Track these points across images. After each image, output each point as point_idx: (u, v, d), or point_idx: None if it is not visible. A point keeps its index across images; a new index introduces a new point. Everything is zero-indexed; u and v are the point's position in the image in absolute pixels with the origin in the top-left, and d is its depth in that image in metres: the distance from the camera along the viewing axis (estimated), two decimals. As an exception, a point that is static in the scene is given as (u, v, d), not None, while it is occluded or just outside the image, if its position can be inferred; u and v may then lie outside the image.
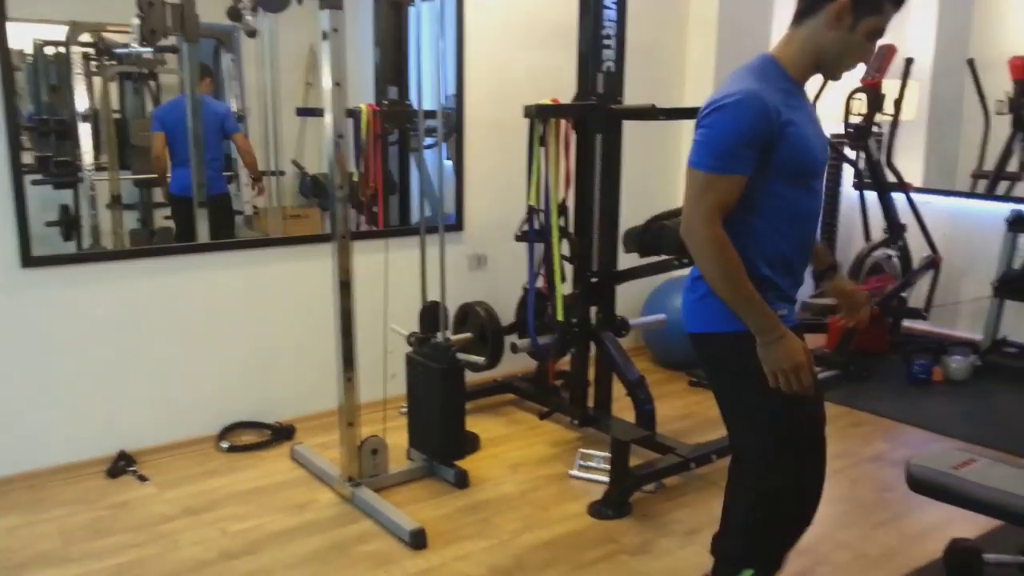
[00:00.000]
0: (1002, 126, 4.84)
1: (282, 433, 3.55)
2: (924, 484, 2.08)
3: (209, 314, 3.46)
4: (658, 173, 4.75)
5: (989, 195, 4.86)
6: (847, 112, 4.62)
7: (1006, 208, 4.55)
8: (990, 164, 4.90)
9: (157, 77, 3.69)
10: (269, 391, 3.65)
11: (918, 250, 4.67)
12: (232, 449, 3.42)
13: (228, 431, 3.53)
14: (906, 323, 4.87)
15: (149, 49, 3.43)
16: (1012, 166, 4.85)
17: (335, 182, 2.81)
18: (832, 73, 1.89)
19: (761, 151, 1.77)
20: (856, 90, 4.58)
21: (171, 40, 3.29)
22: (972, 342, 4.68)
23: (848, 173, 4.99)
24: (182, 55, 3.53)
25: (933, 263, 4.65)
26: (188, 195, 3.54)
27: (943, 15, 5.09)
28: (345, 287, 2.87)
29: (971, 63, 4.79)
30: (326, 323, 3.01)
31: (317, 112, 2.85)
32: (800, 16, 1.85)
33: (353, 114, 3.70)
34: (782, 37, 1.89)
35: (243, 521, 2.86)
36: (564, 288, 3.37)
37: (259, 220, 3.86)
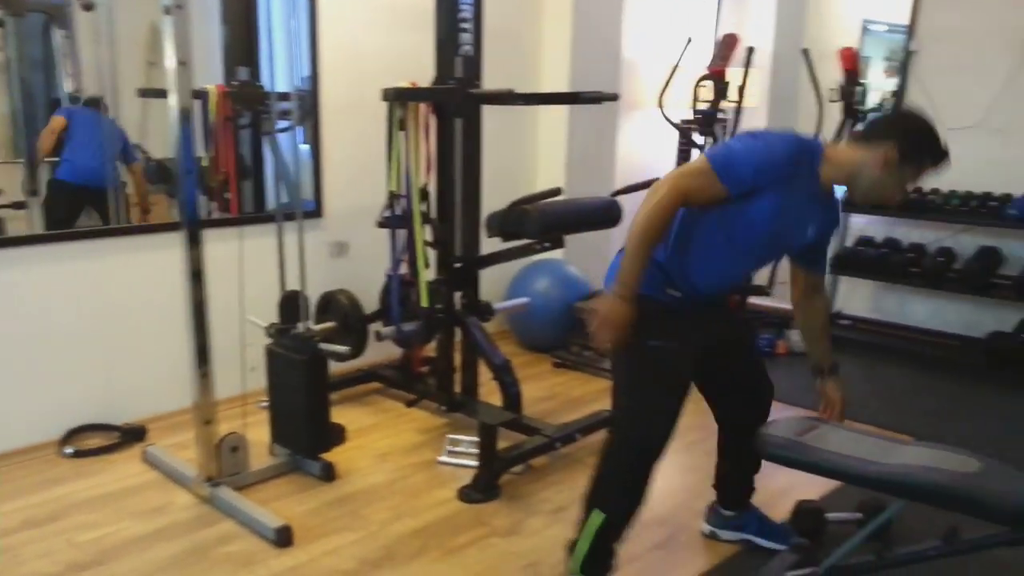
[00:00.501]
0: (835, 113, 5.18)
1: (132, 434, 3.35)
2: (774, 452, 2.20)
3: (45, 310, 3.22)
4: (518, 158, 4.79)
5: (824, 178, 5.18)
6: (695, 99, 4.80)
7: (839, 190, 4.87)
8: (824, 149, 5.23)
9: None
10: (117, 390, 3.43)
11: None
12: (77, 454, 3.20)
13: (72, 435, 3.30)
14: (752, 300, 5.14)
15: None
16: (843, 151, 5.20)
17: (182, 167, 2.66)
18: (856, 196, 2.12)
19: (752, 185, 2.01)
20: (703, 78, 4.77)
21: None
22: (812, 316, 5.00)
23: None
24: (7, 30, 3.24)
25: (776, 242, 4.92)
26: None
27: (781, 7, 5.39)
28: (197, 278, 2.73)
29: (805, 53, 5.08)
30: (178, 316, 2.85)
31: (161, 93, 2.69)
32: (860, 140, 2.13)
33: (200, 95, 3.52)
34: (843, 143, 2.15)
35: (92, 530, 2.68)
36: (428, 274, 3.35)
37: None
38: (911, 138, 2.07)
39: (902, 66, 4.82)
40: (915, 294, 4.82)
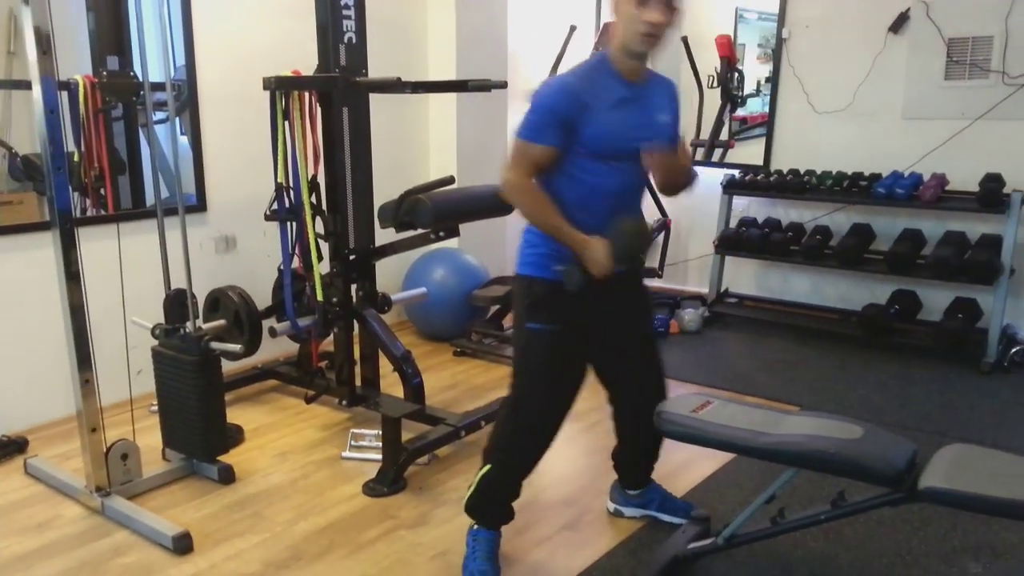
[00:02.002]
0: (714, 98, 5.36)
1: (12, 446, 3.14)
2: (671, 429, 2.26)
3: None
4: (409, 147, 4.74)
5: (707, 161, 5.37)
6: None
7: (721, 173, 5.06)
8: (706, 134, 5.41)
9: None
10: (-11, 402, 3.22)
11: (651, 215, 5.06)
12: (-51, 471, 2.98)
13: (-57, 451, 3.08)
14: (644, 282, 5.26)
15: None
16: (723, 135, 5.40)
17: (49, 163, 2.50)
18: (634, 53, 2.10)
19: (565, 126, 2.08)
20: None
21: None
22: (700, 296, 5.18)
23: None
24: None
25: (664, 226, 5.07)
26: None
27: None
28: (73, 279, 2.58)
29: (684, 40, 5.23)
30: (55, 321, 2.69)
31: (23, 84, 2.51)
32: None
33: (68, 86, 3.32)
34: None
35: (-31, 551, 2.51)
36: (322, 267, 3.27)
37: (-40, 209, 3.36)
38: None
39: (774, 53, 5.02)
40: (796, 271, 5.05)
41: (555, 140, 2.10)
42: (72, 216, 2.58)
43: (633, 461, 2.68)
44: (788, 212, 5.02)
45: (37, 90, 2.44)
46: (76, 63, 3.45)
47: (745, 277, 5.27)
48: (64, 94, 3.24)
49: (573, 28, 5.13)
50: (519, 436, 2.35)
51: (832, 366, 4.25)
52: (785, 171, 4.88)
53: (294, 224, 3.29)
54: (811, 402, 3.65)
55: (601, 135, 2.11)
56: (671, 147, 2.23)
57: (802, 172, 4.82)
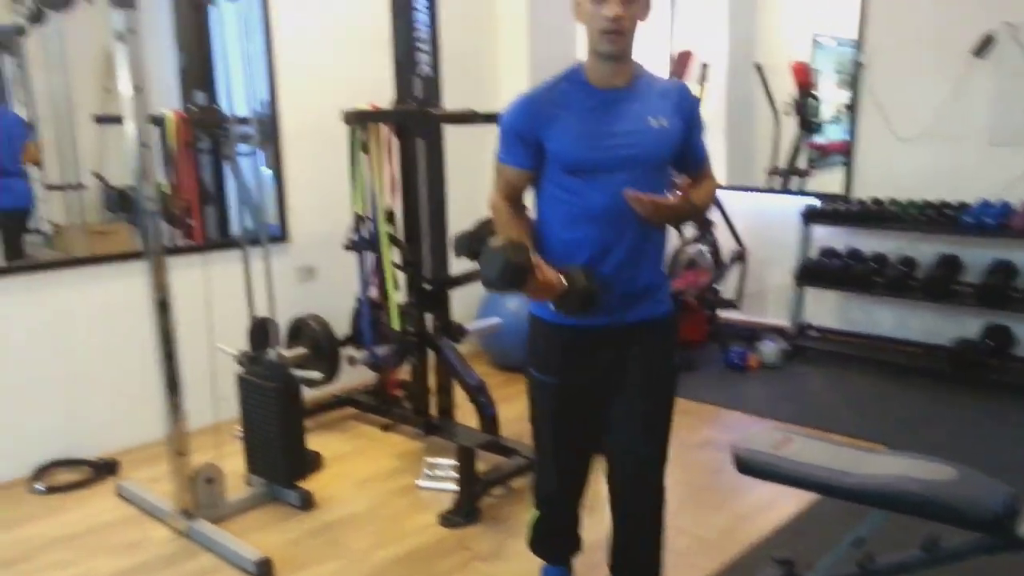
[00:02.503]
0: (790, 126, 5.27)
1: (105, 469, 3.26)
2: (749, 465, 2.19)
3: (8, 345, 3.13)
4: (484, 176, 4.75)
5: (784, 190, 5.27)
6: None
7: (800, 202, 4.96)
8: (783, 161, 5.31)
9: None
10: (87, 424, 3.35)
11: (727, 243, 4.99)
12: (49, 490, 3.11)
13: (43, 471, 3.22)
14: (721, 313, 5.18)
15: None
16: (801, 162, 5.30)
17: (143, 194, 2.60)
18: (601, 55, 1.90)
19: (529, 144, 1.95)
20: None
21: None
22: (780, 328, 5.06)
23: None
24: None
25: (740, 256, 4.99)
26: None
27: (733, 23, 5.47)
28: (163, 307, 2.67)
29: (759, 68, 5.16)
30: (146, 347, 2.78)
31: (117, 120, 2.63)
32: None
33: (158, 121, 3.46)
34: None
35: (67, 568, 2.60)
36: (398, 296, 3.31)
37: (60, 239, 3.51)
38: None
39: (853, 79, 4.92)
40: (879, 303, 4.89)
41: (521, 159, 1.97)
42: (163, 246, 2.67)
43: (615, 564, 2.24)
44: (870, 242, 4.87)
45: (131, 125, 2.55)
46: (166, 98, 3.60)
47: (826, 309, 5.12)
48: (155, 128, 3.37)
49: (645, 58, 5.12)
50: (543, 482, 2.26)
51: (920, 403, 4.09)
52: (867, 199, 4.75)
53: (372, 254, 3.34)
54: (899, 441, 3.51)
55: (565, 147, 1.91)
56: (680, 155, 2.00)
57: (885, 200, 4.68)
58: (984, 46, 4.38)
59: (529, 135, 1.94)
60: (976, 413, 3.92)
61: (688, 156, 2.04)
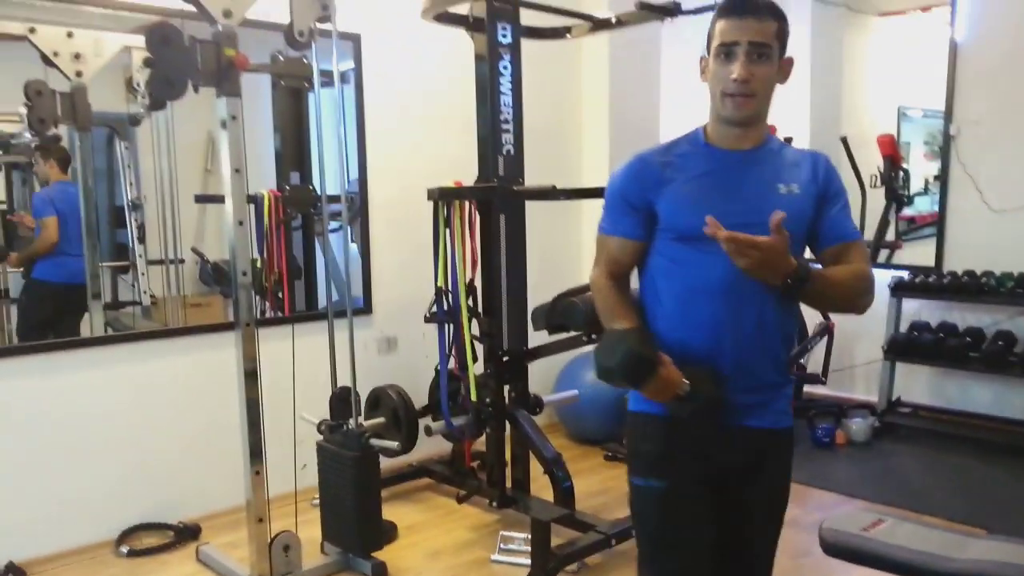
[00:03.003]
0: (877, 198, 5.17)
1: (187, 533, 3.35)
2: (837, 548, 2.11)
3: (104, 410, 3.29)
4: (563, 250, 4.84)
5: (872, 263, 5.13)
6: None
7: (888, 275, 4.83)
8: (869, 234, 5.20)
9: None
10: (171, 489, 3.46)
11: (812, 317, 4.87)
12: (132, 554, 3.21)
13: (127, 535, 3.32)
14: (807, 388, 5.03)
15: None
16: (890, 235, 5.17)
17: (238, 268, 2.74)
18: (723, 118, 1.73)
19: (639, 211, 1.76)
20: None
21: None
22: (869, 404, 4.88)
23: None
24: (72, 143, 3.43)
25: (827, 330, 4.86)
26: (75, 282, 3.42)
27: (815, 97, 5.47)
28: (251, 376, 2.77)
29: (844, 141, 5.11)
30: (231, 414, 2.88)
31: (217, 199, 2.80)
32: None
33: (255, 200, 3.65)
34: None
35: (144, 632, 2.66)
36: (476, 368, 3.35)
37: (158, 310, 3.71)
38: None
39: (942, 150, 4.82)
40: (976, 379, 4.67)
41: (629, 229, 1.78)
42: (254, 318, 2.80)
43: None
44: (965, 316, 4.69)
45: (229, 203, 2.70)
46: (262, 179, 3.81)
47: (918, 385, 4.92)
48: (251, 206, 3.56)
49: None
50: None
51: (1022, 485, 3.86)
52: (960, 272, 4.60)
53: (451, 326, 3.41)
54: (1000, 525, 3.30)
55: (676, 210, 1.70)
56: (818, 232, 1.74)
57: (979, 273, 4.52)
58: (1079, 114, 4.26)
59: (639, 200, 1.75)
60: (1087, 498, 3.67)
61: (828, 234, 1.75)
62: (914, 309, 4.83)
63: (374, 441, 3.02)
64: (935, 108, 4.86)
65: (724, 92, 1.68)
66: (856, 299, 1.75)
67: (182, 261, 3.75)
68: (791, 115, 5.38)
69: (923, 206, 5.24)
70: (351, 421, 3.05)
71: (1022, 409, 4.55)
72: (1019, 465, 4.10)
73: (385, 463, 3.39)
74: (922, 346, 4.53)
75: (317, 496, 3.11)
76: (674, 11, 3.49)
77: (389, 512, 3.40)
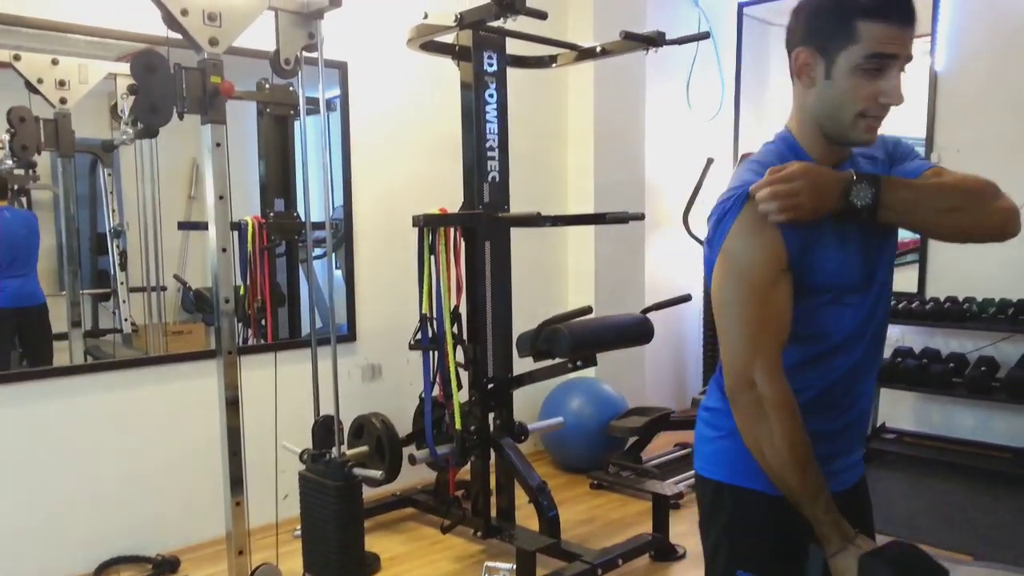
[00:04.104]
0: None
1: (165, 566, 3.29)
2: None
3: (79, 442, 3.24)
4: (548, 277, 4.84)
5: (855, 289, 5.16)
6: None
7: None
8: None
9: (29, 193, 3.54)
10: (150, 521, 3.40)
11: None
12: (107, 588, 3.15)
13: (105, 568, 3.25)
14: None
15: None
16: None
17: (220, 295, 2.71)
18: (841, 139, 1.41)
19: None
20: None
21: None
22: (853, 429, 4.87)
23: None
24: (56, 169, 3.41)
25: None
26: (24, 306, 3.38)
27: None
28: (232, 405, 2.73)
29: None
30: (211, 444, 2.83)
31: (200, 226, 2.78)
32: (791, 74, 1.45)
33: (238, 227, 3.64)
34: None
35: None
36: (461, 395, 3.33)
37: (139, 338, 3.68)
38: (808, 20, 1.38)
39: (924, 178, 4.87)
40: (959, 405, 4.69)
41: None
42: (236, 345, 2.77)
43: None
44: (948, 342, 4.72)
45: (213, 230, 2.67)
46: (246, 205, 3.80)
47: (902, 411, 4.94)
48: (234, 233, 3.54)
49: (710, 161, 5.18)
50: None
51: (1007, 510, 3.86)
52: (942, 298, 4.63)
53: (436, 353, 3.39)
54: (985, 551, 3.30)
55: (825, 261, 1.40)
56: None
57: (961, 299, 4.55)
58: (1057, 143, 4.32)
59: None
60: (1072, 525, 3.67)
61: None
62: (897, 335, 4.85)
63: (357, 470, 2.99)
64: (916, 136, 4.92)
65: (865, 113, 1.35)
66: (981, 202, 1.46)
67: (164, 288, 3.72)
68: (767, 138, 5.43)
69: (905, 233, 5.29)
70: (334, 450, 3.02)
71: (1005, 434, 4.57)
72: (1004, 491, 4.10)
73: (368, 492, 3.36)
74: (906, 372, 4.55)
75: (299, 527, 3.07)
76: (659, 41, 3.54)
77: (372, 543, 3.36)
